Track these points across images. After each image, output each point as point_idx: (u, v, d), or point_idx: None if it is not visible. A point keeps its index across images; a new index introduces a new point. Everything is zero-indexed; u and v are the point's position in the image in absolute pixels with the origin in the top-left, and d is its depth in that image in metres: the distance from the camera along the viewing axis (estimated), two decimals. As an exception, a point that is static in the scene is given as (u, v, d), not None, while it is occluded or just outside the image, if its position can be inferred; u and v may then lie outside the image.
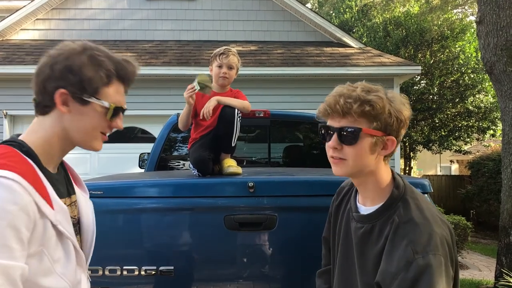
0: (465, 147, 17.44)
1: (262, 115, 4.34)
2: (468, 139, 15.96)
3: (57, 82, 1.22)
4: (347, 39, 9.74)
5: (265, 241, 2.42)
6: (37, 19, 9.55)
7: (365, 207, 1.47)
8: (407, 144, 16.21)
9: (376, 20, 16.96)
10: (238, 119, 2.69)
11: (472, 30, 14.71)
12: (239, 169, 2.69)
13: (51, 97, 1.24)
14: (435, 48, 15.22)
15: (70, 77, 1.21)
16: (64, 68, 1.22)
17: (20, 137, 1.26)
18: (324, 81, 8.87)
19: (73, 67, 1.22)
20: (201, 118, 2.68)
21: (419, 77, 14.65)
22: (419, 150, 17.00)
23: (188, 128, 2.90)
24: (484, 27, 6.10)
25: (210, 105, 2.63)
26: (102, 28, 9.55)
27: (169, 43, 9.42)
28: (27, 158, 1.18)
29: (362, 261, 1.42)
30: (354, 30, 17.75)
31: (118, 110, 1.30)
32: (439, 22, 15.78)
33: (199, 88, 2.60)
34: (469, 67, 14.68)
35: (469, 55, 14.70)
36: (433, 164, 25.10)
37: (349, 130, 1.37)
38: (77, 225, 1.35)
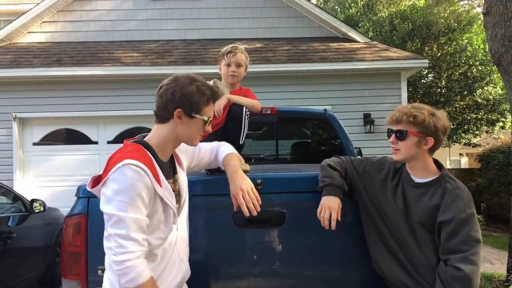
0: (475, 140, 17.31)
1: (269, 112, 4.33)
2: (477, 132, 15.83)
3: (176, 104, 1.87)
4: (353, 34, 9.70)
5: (274, 237, 2.42)
6: (43, 22, 9.60)
7: (418, 179, 2.21)
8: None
9: (382, 14, 16.83)
10: (246, 117, 2.69)
11: (479, 21, 14.57)
12: (247, 166, 2.68)
13: (170, 113, 1.88)
14: (442, 41, 15.09)
15: (185, 101, 1.87)
16: (181, 95, 1.87)
17: (145, 138, 1.95)
18: (331, 76, 8.85)
19: (187, 95, 1.87)
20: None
21: (426, 70, 14.53)
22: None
23: None
24: (491, 18, 6.03)
25: (220, 102, 2.63)
26: (108, 29, 9.59)
27: (174, 43, 9.43)
28: (148, 152, 1.85)
29: (414, 212, 2.15)
30: (359, 25, 17.66)
31: (208, 120, 1.96)
32: (446, 15, 15.66)
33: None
34: (477, 59, 14.55)
35: (477, 47, 14.56)
36: (442, 157, 24.92)
37: (401, 131, 2.16)
38: (178, 195, 1.99)
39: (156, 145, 1.91)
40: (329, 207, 2.17)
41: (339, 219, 2.17)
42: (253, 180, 2.37)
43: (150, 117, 9.01)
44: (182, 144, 2.06)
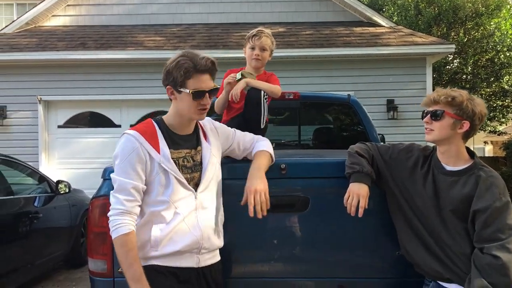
0: (500, 128, 16.95)
1: (292, 97, 4.30)
2: (504, 120, 15.48)
3: (165, 82, 2.03)
4: (378, 18, 9.53)
5: (298, 223, 2.42)
6: (68, 5, 9.68)
7: (449, 166, 2.18)
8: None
9: (407, -2, 16.48)
10: (265, 101, 2.67)
11: (508, 6, 14.16)
12: (270, 151, 2.67)
13: (167, 92, 2.06)
14: (469, 26, 14.70)
15: (169, 78, 1.99)
16: (166, 73, 2.00)
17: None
18: (355, 61, 8.73)
19: (169, 72, 1.98)
20: (231, 100, 2.69)
21: (451, 56, 14.23)
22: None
23: (223, 112, 2.91)
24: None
25: (238, 87, 2.63)
26: (131, 13, 9.62)
27: (197, 26, 9.41)
28: (155, 124, 2.06)
29: (446, 200, 2.13)
30: (384, 9, 17.32)
31: (199, 93, 1.97)
32: (474, -1, 15.23)
33: (239, 77, 2.63)
34: (505, 45, 14.16)
35: (505, 33, 14.16)
36: (466, 145, 24.48)
37: (436, 111, 2.14)
38: (199, 165, 2.12)
39: (168, 120, 2.09)
40: (358, 194, 2.15)
41: (367, 206, 2.15)
42: (277, 165, 2.38)
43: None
44: (221, 126, 2.30)
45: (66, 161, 9.02)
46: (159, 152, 1.98)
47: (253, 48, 2.80)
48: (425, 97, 2.23)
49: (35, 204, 5.23)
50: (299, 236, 2.42)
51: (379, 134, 5.34)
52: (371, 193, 2.25)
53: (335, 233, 2.40)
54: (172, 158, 2.01)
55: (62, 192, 5.56)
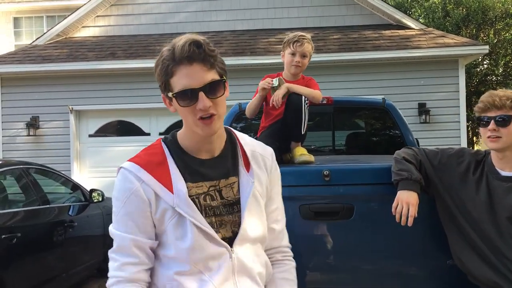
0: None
1: (326, 102, 4.23)
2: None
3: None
4: (407, 21, 9.38)
5: (342, 231, 2.35)
6: (97, 16, 9.83)
7: (505, 171, 2.07)
8: (469, 129, 15.52)
9: (435, 0, 16.22)
10: (306, 106, 2.61)
11: (541, 5, 13.79)
12: (311, 157, 2.62)
13: None
14: (499, 27, 14.37)
15: (159, 84, 1.40)
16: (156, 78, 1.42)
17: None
18: (384, 65, 8.60)
19: (156, 75, 1.41)
20: (270, 106, 2.64)
21: (481, 58, 13.92)
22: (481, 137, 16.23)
23: (254, 116, 2.86)
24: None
25: (279, 92, 2.57)
26: (158, 22, 9.71)
27: (224, 34, 9.43)
28: (164, 148, 1.45)
29: (502, 207, 2.03)
30: (410, 12, 17.09)
31: (183, 95, 1.32)
32: (504, -1, 14.88)
33: (277, 84, 2.57)
34: (537, 45, 13.79)
35: (537, 32, 13.80)
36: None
37: (503, 116, 2.01)
38: (235, 204, 1.44)
39: (181, 139, 1.45)
40: (407, 202, 2.06)
41: (416, 215, 2.07)
42: (320, 171, 2.32)
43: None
44: (277, 168, 1.59)
45: (97, 170, 9.12)
46: (171, 190, 1.36)
47: (293, 54, 2.74)
48: (480, 102, 2.11)
49: (70, 213, 5.27)
50: (344, 244, 2.35)
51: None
52: (420, 200, 2.17)
53: (381, 242, 2.33)
54: (190, 196, 1.37)
55: (95, 200, 5.60)
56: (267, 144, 2.53)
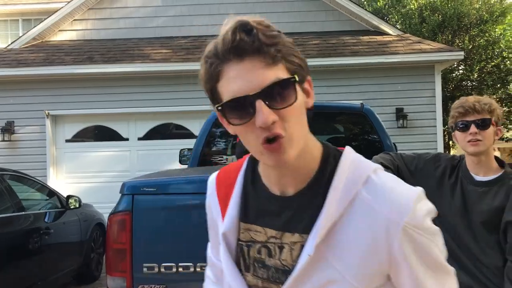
0: (507, 134, 16.86)
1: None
2: (511, 126, 15.40)
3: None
4: (384, 27, 9.51)
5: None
6: (74, 20, 9.71)
7: (479, 176, 2.08)
8: (445, 133, 15.80)
9: (411, 6, 16.51)
10: None
11: (513, 12, 14.15)
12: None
13: None
14: (474, 33, 14.70)
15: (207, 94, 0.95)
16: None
17: None
18: (363, 70, 8.69)
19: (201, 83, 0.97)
20: None
21: (457, 63, 14.21)
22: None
23: None
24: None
25: None
26: (137, 26, 9.64)
27: (204, 38, 9.41)
28: (244, 164, 1.06)
29: (476, 212, 2.04)
30: (388, 18, 17.36)
31: (233, 106, 0.86)
32: (478, 6, 15.24)
33: None
34: (511, 51, 14.14)
35: (510, 39, 14.16)
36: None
37: (484, 120, 2.03)
38: (286, 274, 0.93)
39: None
40: None
41: None
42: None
43: (180, 113, 9.14)
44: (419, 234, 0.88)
45: (74, 175, 8.98)
46: (222, 219, 1.04)
47: None
48: (458, 108, 2.13)
49: (46, 219, 5.17)
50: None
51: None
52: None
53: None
54: (240, 241, 1.01)
55: (72, 207, 5.52)
56: (243, 151, 2.56)
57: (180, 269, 2.34)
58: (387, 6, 17.99)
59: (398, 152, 2.40)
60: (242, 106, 0.85)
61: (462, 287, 2.07)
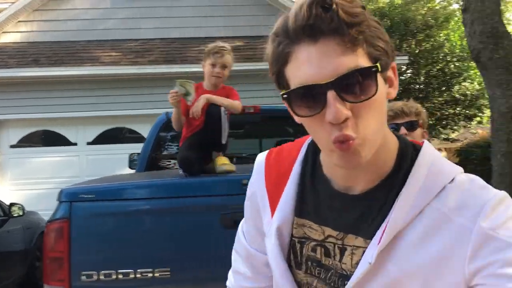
0: (453, 135, 17.58)
1: (252, 111, 4.30)
2: (456, 127, 16.06)
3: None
4: (333, 32, 9.71)
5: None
6: (19, 22, 9.38)
7: None
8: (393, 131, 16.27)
9: (361, 11, 16.94)
10: (225, 117, 2.65)
11: (456, 18, 14.78)
12: (232, 167, 2.66)
13: None
14: (420, 38, 15.28)
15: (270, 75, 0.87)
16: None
17: None
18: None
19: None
20: (190, 116, 2.65)
21: (405, 67, 14.70)
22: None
23: (181, 128, 2.87)
24: (470, 15, 6.11)
25: (199, 103, 2.60)
26: (86, 29, 9.41)
27: (154, 41, 9.31)
28: (303, 151, 0.94)
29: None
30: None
31: (300, 95, 0.76)
32: (423, 11, 15.83)
33: (184, 92, 2.59)
34: (454, 56, 14.78)
35: (454, 44, 14.79)
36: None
37: (412, 122, 2.18)
38: (344, 279, 0.85)
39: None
40: None
41: None
42: (239, 181, 2.36)
43: (131, 117, 8.93)
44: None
45: (20, 182, 8.66)
46: (271, 213, 0.94)
47: (213, 65, 2.78)
48: (387, 111, 2.24)
49: (-13, 228, 4.98)
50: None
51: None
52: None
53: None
54: (293, 237, 0.92)
55: (15, 215, 5.33)
56: (187, 155, 2.57)
57: (120, 276, 2.32)
58: (338, 11, 18.38)
59: None
60: (311, 96, 0.74)
61: None
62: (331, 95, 0.71)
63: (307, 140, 0.95)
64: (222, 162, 2.66)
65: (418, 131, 2.19)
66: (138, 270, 2.31)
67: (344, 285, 0.83)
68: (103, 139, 8.83)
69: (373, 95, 0.73)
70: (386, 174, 0.82)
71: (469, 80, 15.17)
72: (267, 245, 0.93)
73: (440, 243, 0.75)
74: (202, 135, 2.72)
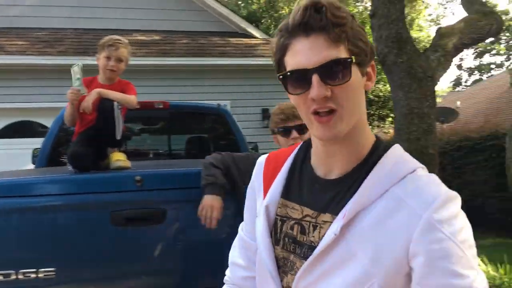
0: (375, 130, 18.44)
1: (162, 107, 4.23)
2: (370, 127, 16.85)
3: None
4: (252, 30, 9.81)
5: (155, 235, 2.36)
6: None
7: None
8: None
9: (283, 11, 17.27)
10: (119, 111, 2.58)
11: (368, 26, 15.49)
12: (127, 163, 2.59)
13: None
14: (338, 40, 15.82)
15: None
16: None
17: None
18: (231, 71, 8.87)
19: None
20: (81, 111, 2.56)
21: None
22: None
23: (74, 124, 2.76)
24: (377, 20, 6.41)
25: (90, 98, 2.52)
26: (-11, 14, 8.78)
27: (66, 31, 8.87)
28: (297, 148, 1.15)
29: None
30: (262, 21, 17.95)
31: (292, 77, 0.96)
32: (341, 15, 16.40)
33: (84, 92, 2.52)
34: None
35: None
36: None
37: (301, 125, 2.21)
38: (310, 249, 0.99)
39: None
40: (211, 206, 2.18)
41: (220, 217, 2.18)
42: (132, 177, 2.30)
43: (38, 110, 8.42)
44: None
45: None
46: (263, 195, 1.13)
47: (108, 58, 2.70)
48: (279, 114, 2.28)
49: None
50: (156, 249, 2.36)
51: (253, 142, 5.47)
52: (228, 203, 2.29)
53: (194, 245, 2.40)
54: (276, 215, 1.09)
55: None
56: (76, 151, 2.47)
57: (0, 277, 2.18)
58: (261, 10, 18.61)
59: (230, 153, 2.50)
60: (300, 79, 0.94)
61: None
62: (315, 78, 0.92)
63: (300, 143, 1.16)
64: (117, 158, 2.58)
65: (308, 135, 2.25)
66: (20, 271, 2.19)
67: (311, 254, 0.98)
68: (7, 132, 8.28)
69: (347, 81, 0.93)
70: (358, 163, 1.00)
71: (382, 82, 15.96)
72: (257, 223, 1.11)
73: (394, 224, 0.89)
74: (95, 131, 2.62)
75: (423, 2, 17.62)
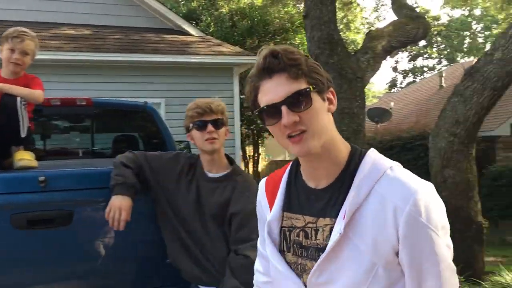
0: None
1: (84, 104, 4.05)
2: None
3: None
4: (187, 27, 9.68)
5: (61, 238, 2.25)
6: None
7: (212, 173, 2.26)
8: (255, 131, 16.85)
9: (223, 10, 17.21)
10: (23, 108, 2.43)
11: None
12: (32, 163, 2.44)
13: None
14: (278, 40, 15.98)
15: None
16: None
17: None
18: (165, 69, 8.70)
19: None
20: None
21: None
22: (266, 137, 17.80)
23: None
24: (310, 21, 6.51)
25: None
26: None
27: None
28: (289, 167, 1.33)
29: (208, 206, 2.20)
30: (202, 19, 17.80)
31: (265, 112, 1.17)
32: (280, 15, 16.59)
33: None
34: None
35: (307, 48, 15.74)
36: (281, 150, 26.55)
37: (217, 120, 2.19)
38: (318, 251, 1.18)
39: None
40: (119, 207, 2.11)
41: (129, 219, 2.10)
42: (35, 178, 2.18)
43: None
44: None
45: None
46: (270, 210, 1.32)
47: (12, 50, 2.53)
48: (195, 108, 2.24)
49: None
50: (62, 252, 2.25)
51: (185, 141, 5.36)
52: (141, 203, 2.23)
53: (102, 246, 2.32)
54: (283, 228, 1.27)
55: None
56: None
57: None
58: (201, 8, 18.44)
59: (143, 152, 2.43)
60: (273, 111, 1.14)
61: (194, 278, 2.19)
62: (284, 108, 1.12)
63: (291, 163, 1.33)
64: (21, 157, 2.42)
65: (223, 129, 2.23)
66: None
67: (319, 255, 1.16)
68: None
69: (310, 106, 1.12)
70: (340, 170, 1.18)
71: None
72: (265, 236, 1.29)
73: (385, 218, 1.09)
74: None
75: (358, 5, 18.14)
